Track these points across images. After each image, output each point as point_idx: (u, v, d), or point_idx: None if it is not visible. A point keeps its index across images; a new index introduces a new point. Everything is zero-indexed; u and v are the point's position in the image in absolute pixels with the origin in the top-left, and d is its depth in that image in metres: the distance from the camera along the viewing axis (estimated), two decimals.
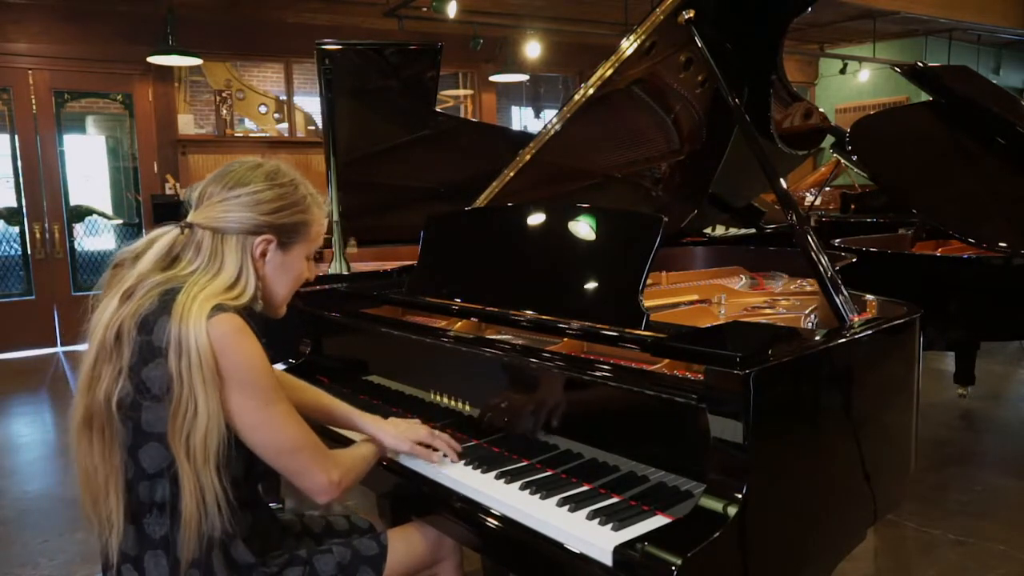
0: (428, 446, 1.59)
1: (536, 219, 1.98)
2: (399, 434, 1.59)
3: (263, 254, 1.36)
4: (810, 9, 2.50)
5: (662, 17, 2.15)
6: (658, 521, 1.27)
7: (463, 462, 1.58)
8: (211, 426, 1.21)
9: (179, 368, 1.20)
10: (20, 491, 3.64)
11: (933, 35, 9.65)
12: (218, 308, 1.25)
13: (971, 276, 3.22)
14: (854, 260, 2.57)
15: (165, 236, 1.34)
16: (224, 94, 7.56)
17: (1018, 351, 5.73)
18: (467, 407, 1.76)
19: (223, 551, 1.32)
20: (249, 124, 8.21)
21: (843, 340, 1.47)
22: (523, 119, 11.50)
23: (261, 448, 1.31)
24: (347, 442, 1.69)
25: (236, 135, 7.77)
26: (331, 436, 1.95)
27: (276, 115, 7.93)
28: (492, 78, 8.48)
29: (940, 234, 3.86)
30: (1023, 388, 4.98)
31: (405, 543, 1.56)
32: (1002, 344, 5.71)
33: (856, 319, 1.64)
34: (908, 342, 1.68)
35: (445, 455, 1.59)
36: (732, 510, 1.19)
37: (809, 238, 1.74)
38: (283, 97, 7.91)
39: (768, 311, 2.12)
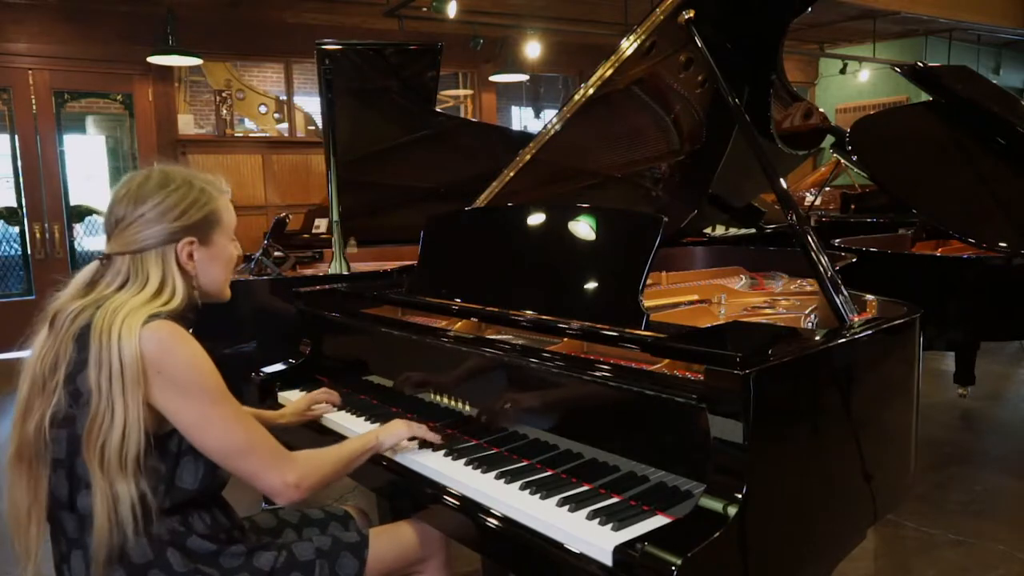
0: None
1: (536, 219, 1.98)
2: (391, 436, 1.63)
3: (190, 256, 1.38)
4: (810, 9, 2.50)
5: (662, 17, 2.15)
6: (658, 521, 1.27)
7: (463, 461, 1.58)
8: (129, 433, 1.22)
9: (98, 380, 1.22)
10: None
11: (933, 35, 9.65)
12: (152, 317, 1.27)
13: (971, 276, 3.22)
14: (854, 260, 2.57)
15: (85, 269, 1.38)
16: (224, 94, 7.56)
17: (1018, 351, 5.73)
18: (467, 407, 1.76)
19: (178, 547, 1.32)
20: (249, 124, 8.20)
21: (843, 340, 1.47)
22: (523, 119, 11.49)
23: (211, 451, 1.31)
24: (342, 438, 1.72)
25: (236, 135, 7.77)
26: (316, 429, 1.97)
27: (276, 115, 7.93)
28: (492, 78, 8.47)
29: (940, 234, 3.86)
30: (1023, 388, 4.98)
31: (391, 538, 1.57)
32: (1002, 344, 5.71)
33: (856, 319, 1.64)
34: (908, 342, 1.68)
35: (436, 449, 1.65)
36: (732, 510, 1.18)
37: (809, 238, 1.74)
38: (283, 97, 7.91)
39: (768, 311, 2.12)
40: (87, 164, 7.39)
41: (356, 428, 1.86)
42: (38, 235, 6.73)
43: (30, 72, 6.57)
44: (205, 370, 1.28)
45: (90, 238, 7.09)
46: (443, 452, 1.64)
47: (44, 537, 1.32)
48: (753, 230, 4.16)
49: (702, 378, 1.30)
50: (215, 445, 1.30)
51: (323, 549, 1.46)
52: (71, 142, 7.00)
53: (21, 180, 6.64)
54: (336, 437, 1.87)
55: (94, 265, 1.38)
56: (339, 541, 1.50)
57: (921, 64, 3.79)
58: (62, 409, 1.27)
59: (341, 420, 1.93)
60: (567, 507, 1.34)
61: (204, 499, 1.38)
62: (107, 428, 1.21)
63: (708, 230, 4.05)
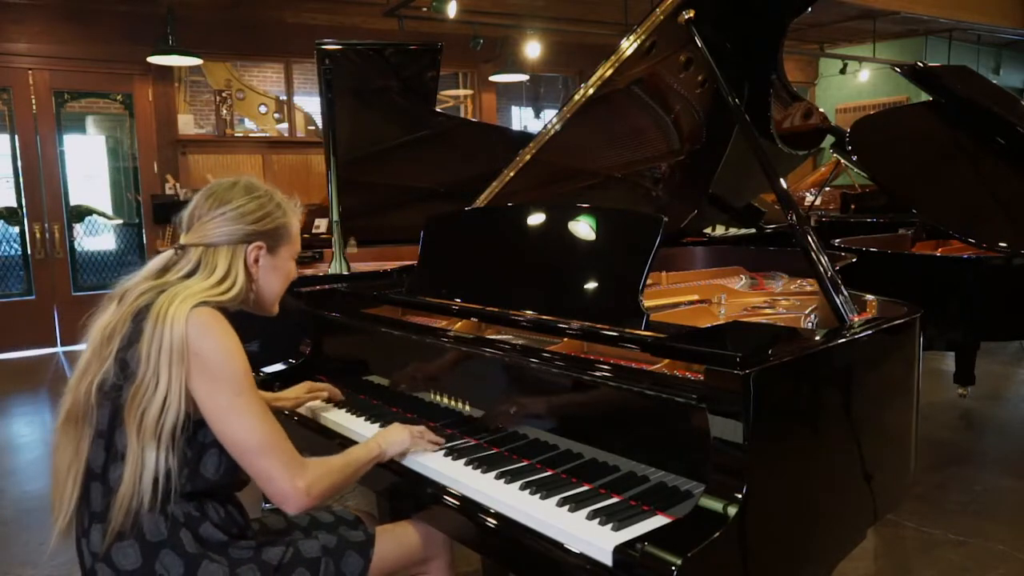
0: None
1: (536, 219, 1.98)
2: (393, 445, 1.62)
3: (256, 260, 1.48)
4: (810, 9, 2.50)
5: (662, 17, 2.15)
6: (658, 521, 1.27)
7: (463, 461, 1.58)
8: (169, 405, 1.28)
9: (148, 350, 1.29)
10: (20, 491, 3.64)
11: (933, 35, 9.65)
12: (202, 303, 1.35)
13: (971, 276, 3.22)
14: (854, 260, 2.57)
15: (160, 256, 1.47)
16: (224, 94, 7.56)
17: (1018, 351, 5.73)
18: (467, 407, 1.76)
19: (191, 531, 1.35)
20: (249, 124, 8.20)
21: (843, 340, 1.47)
22: (523, 119, 11.50)
23: (230, 443, 1.34)
24: (343, 439, 1.72)
25: (236, 135, 7.77)
26: (316, 429, 1.96)
27: (276, 115, 7.93)
28: (492, 78, 8.47)
29: (940, 234, 3.86)
30: (1023, 388, 4.98)
31: (395, 538, 1.57)
32: (1002, 344, 5.71)
33: (856, 319, 1.64)
34: (908, 342, 1.68)
35: (435, 449, 1.64)
36: (732, 510, 1.19)
37: (809, 238, 1.74)
38: (283, 97, 7.91)
39: (768, 311, 2.12)
40: (87, 164, 7.39)
41: (356, 427, 1.87)
42: (38, 235, 6.74)
43: (30, 72, 6.58)
44: (236, 359, 1.33)
45: (90, 238, 7.09)
46: (443, 452, 1.64)
47: (77, 493, 1.38)
48: (753, 230, 4.16)
49: (702, 378, 1.30)
50: (235, 437, 1.33)
51: (329, 547, 1.48)
52: (71, 142, 7.01)
53: (21, 180, 6.65)
54: (335, 436, 1.88)
55: (169, 253, 1.46)
56: (345, 540, 1.51)
57: (921, 64, 3.79)
58: (110, 378, 1.33)
59: (341, 420, 1.93)
60: (567, 507, 1.34)
61: (222, 493, 1.42)
62: (149, 397, 1.28)
63: (708, 230, 4.05)
